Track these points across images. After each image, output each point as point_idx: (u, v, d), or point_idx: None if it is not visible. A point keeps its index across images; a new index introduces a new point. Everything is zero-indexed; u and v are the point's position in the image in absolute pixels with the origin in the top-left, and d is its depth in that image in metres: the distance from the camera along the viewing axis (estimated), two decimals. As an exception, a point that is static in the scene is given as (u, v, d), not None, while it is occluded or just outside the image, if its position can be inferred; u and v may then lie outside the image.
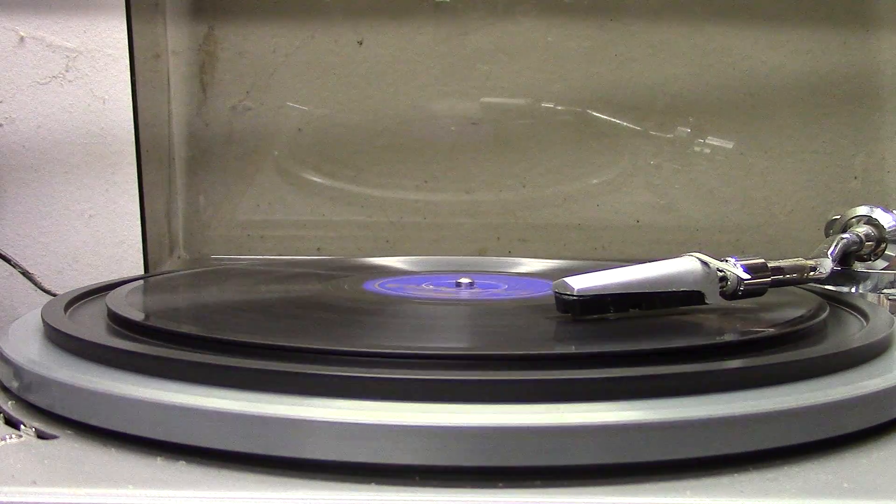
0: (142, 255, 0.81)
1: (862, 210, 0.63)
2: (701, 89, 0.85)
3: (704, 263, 0.49)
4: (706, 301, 0.49)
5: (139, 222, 0.81)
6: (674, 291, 0.48)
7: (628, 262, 0.49)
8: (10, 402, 0.42)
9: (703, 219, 0.86)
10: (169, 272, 0.79)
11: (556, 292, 0.47)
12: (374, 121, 0.85)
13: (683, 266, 0.49)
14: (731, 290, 0.49)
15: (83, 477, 0.34)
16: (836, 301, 0.57)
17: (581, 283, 0.47)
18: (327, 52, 0.85)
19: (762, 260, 0.51)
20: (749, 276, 0.49)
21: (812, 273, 0.55)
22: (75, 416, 0.38)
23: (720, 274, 0.49)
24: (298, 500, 0.33)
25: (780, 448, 0.36)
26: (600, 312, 0.47)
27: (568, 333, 0.47)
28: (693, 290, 0.49)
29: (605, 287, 0.47)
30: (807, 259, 0.55)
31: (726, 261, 0.50)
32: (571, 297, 0.46)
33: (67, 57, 0.81)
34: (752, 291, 0.50)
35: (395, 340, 0.48)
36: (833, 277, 0.60)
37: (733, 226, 0.86)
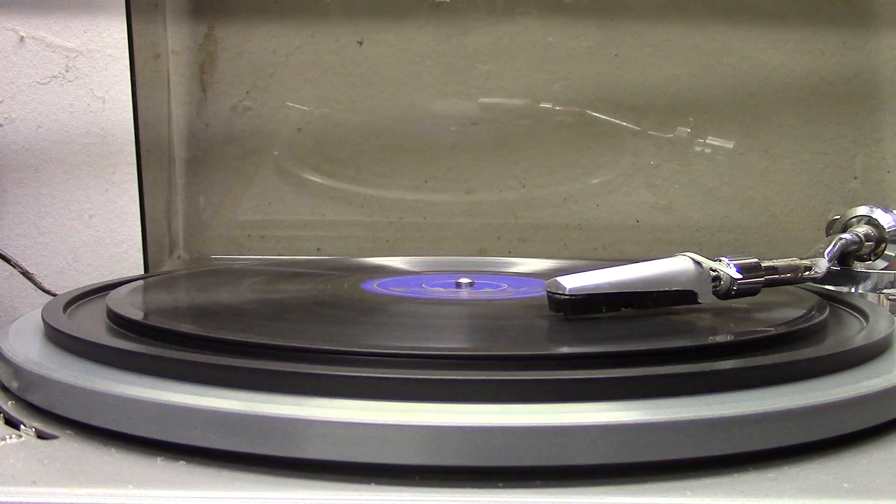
0: (142, 255, 0.81)
1: (862, 210, 0.63)
2: (701, 89, 0.85)
3: (697, 263, 0.49)
4: (699, 300, 0.49)
5: (139, 222, 0.81)
6: (666, 290, 0.48)
7: (626, 262, 0.49)
8: (10, 402, 0.42)
9: (703, 219, 0.86)
10: (169, 272, 0.79)
11: (548, 291, 0.47)
12: (374, 121, 0.85)
13: (676, 266, 0.49)
14: (725, 290, 0.49)
15: (83, 477, 0.34)
16: (836, 301, 0.56)
17: (573, 282, 0.47)
18: (327, 52, 0.85)
19: (756, 259, 0.51)
20: (742, 276, 0.49)
21: (807, 273, 0.54)
22: (75, 416, 0.38)
23: (713, 273, 0.49)
24: (298, 500, 0.33)
25: (780, 448, 0.36)
26: (592, 312, 0.47)
27: (563, 333, 0.47)
28: (686, 290, 0.49)
29: (597, 286, 0.47)
30: (802, 259, 0.55)
31: (720, 260, 0.50)
32: (563, 297, 0.46)
33: (67, 57, 0.81)
34: (746, 291, 0.50)
35: (395, 340, 0.48)
36: (833, 277, 0.60)
37: (733, 226, 0.86)
